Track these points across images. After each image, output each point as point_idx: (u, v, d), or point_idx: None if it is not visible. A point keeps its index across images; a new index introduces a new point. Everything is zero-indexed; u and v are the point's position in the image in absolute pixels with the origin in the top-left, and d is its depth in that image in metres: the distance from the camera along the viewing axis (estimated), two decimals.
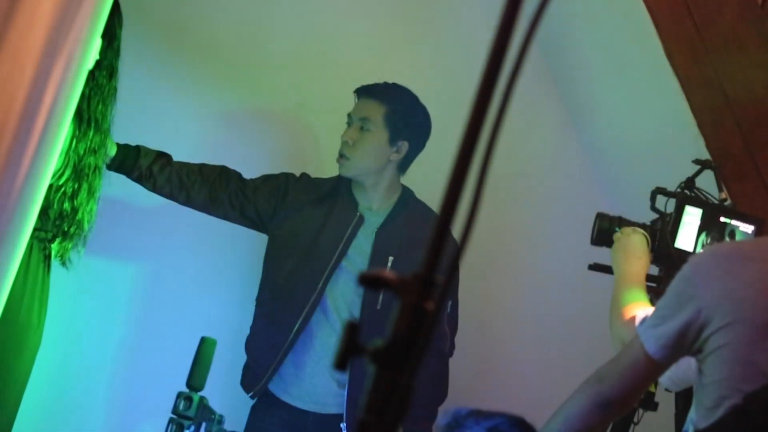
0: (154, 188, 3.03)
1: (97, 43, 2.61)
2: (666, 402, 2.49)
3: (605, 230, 2.57)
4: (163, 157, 3.03)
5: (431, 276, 0.89)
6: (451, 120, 3.11)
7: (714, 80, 2.83)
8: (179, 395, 2.45)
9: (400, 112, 3.06)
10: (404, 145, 3.08)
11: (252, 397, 3.12)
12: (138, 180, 3.01)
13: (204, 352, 2.54)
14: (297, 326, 3.03)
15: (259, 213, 3.12)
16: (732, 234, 2.45)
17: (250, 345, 3.16)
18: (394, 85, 3.12)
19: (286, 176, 3.18)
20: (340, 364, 0.88)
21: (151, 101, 3.35)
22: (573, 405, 1.86)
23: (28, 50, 2.00)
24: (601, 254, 2.64)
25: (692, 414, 1.76)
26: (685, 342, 1.72)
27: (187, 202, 3.10)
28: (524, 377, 3.70)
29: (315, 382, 3.08)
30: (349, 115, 3.10)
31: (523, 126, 3.26)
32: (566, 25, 3.46)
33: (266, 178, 3.17)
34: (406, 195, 3.16)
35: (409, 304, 0.88)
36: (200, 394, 2.47)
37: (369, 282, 0.89)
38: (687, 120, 2.94)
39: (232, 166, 3.16)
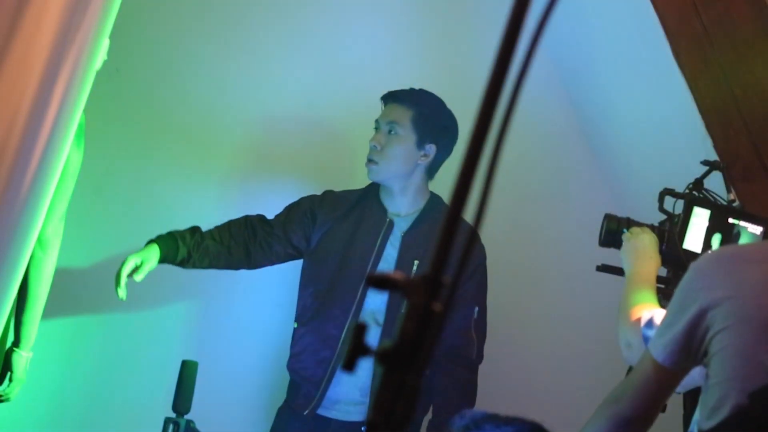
0: (194, 267, 3.09)
1: (105, 44, 2.62)
2: (674, 403, 2.49)
3: (613, 231, 2.56)
4: (195, 233, 3.08)
5: (438, 277, 0.89)
6: (459, 122, 3.13)
7: (722, 81, 2.83)
8: (167, 421, 2.46)
9: (427, 116, 3.10)
10: (432, 149, 3.11)
11: (307, 416, 3.11)
12: (180, 265, 3.06)
13: (186, 375, 2.57)
14: (342, 338, 3.06)
15: (295, 246, 3.18)
16: (738, 235, 2.44)
17: (295, 364, 3.16)
18: (421, 90, 3.15)
19: (309, 199, 3.22)
20: (348, 365, 0.88)
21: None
22: (592, 429, 1.85)
23: (37, 50, 2.00)
24: (609, 256, 2.64)
25: (697, 415, 1.76)
26: (693, 345, 1.72)
27: (228, 266, 3.16)
28: (532, 379, 3.70)
29: (338, 390, 3.10)
30: (376, 121, 3.14)
31: (531, 127, 3.26)
32: (574, 27, 3.46)
33: (289, 210, 3.20)
34: (434, 200, 3.18)
35: (416, 305, 0.88)
36: (186, 417, 2.48)
37: (376, 283, 0.89)
38: (695, 121, 2.93)
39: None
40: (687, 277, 1.76)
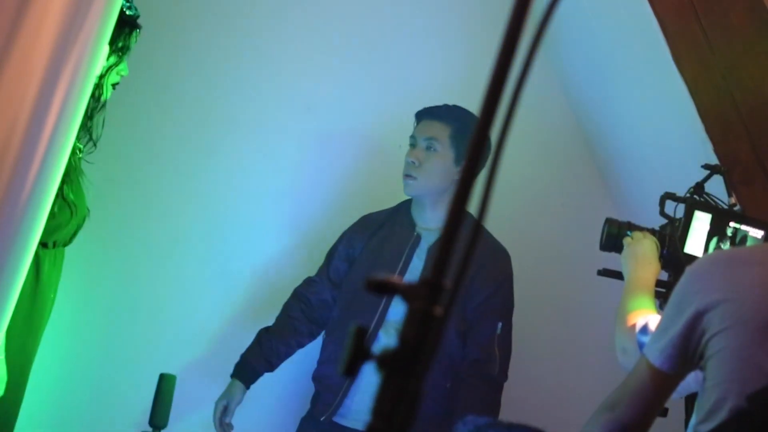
0: (282, 362, 3.24)
1: (105, 50, 2.62)
2: (675, 409, 2.48)
3: (614, 235, 2.56)
4: (262, 341, 3.21)
5: (439, 281, 0.88)
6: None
7: (722, 84, 2.82)
8: None
9: (465, 132, 3.13)
10: None
11: (324, 422, 3.14)
12: (269, 372, 3.23)
13: (164, 388, 2.55)
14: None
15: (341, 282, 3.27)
16: (743, 239, 2.44)
17: (318, 372, 3.23)
18: (456, 106, 3.18)
19: (342, 236, 3.30)
20: (349, 370, 0.88)
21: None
22: None
23: (37, 54, 2.00)
24: (610, 260, 2.63)
25: (693, 420, 1.75)
26: (689, 348, 1.71)
27: (308, 340, 3.29)
28: (534, 383, 3.69)
29: (357, 399, 3.13)
30: (412, 137, 3.17)
31: (532, 132, 3.26)
32: (574, 31, 3.46)
33: (330, 256, 3.30)
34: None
35: (417, 310, 0.88)
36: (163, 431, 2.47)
37: (376, 287, 0.89)
38: (695, 124, 2.93)
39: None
40: (683, 280, 1.75)
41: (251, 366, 3.18)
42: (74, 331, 3.34)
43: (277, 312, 3.33)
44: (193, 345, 3.43)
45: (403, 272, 3.11)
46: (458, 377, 3.04)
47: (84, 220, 2.84)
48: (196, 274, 3.45)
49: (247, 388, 3.18)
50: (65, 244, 2.80)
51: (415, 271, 3.11)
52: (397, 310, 3.07)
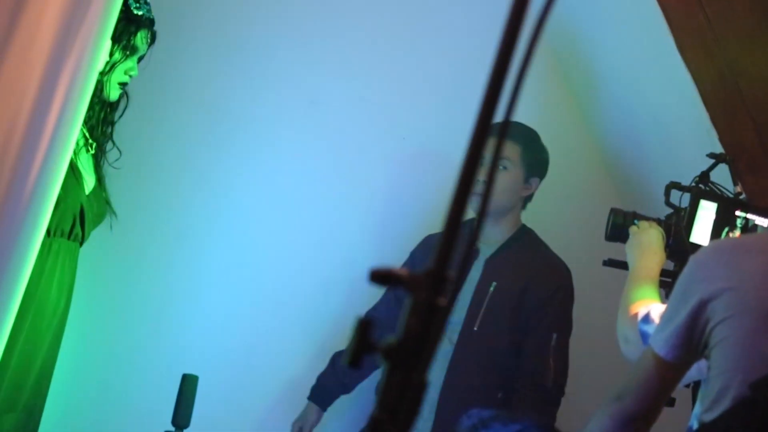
0: (357, 384, 3.29)
1: (107, 45, 2.62)
2: (683, 398, 2.48)
3: (619, 225, 2.56)
4: (335, 361, 3.23)
5: (442, 272, 0.88)
6: (461, 117, 3.12)
7: (727, 74, 2.82)
8: None
9: (533, 151, 3.19)
10: (536, 182, 3.22)
11: None
12: (345, 393, 3.27)
13: (187, 389, 2.56)
14: None
15: None
16: (750, 228, 2.43)
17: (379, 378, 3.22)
18: (521, 124, 3.19)
19: (409, 257, 3.30)
20: (353, 361, 0.88)
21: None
22: (596, 429, 1.83)
23: (37, 46, 1.99)
24: (616, 250, 2.63)
25: (697, 409, 1.75)
26: (694, 337, 1.71)
27: (377, 365, 3.25)
28: None
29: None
30: (481, 155, 3.13)
31: (534, 122, 3.25)
32: (577, 21, 3.45)
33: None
34: (523, 230, 3.23)
35: (421, 301, 0.88)
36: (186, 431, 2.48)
37: (379, 278, 0.89)
38: (700, 114, 2.92)
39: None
40: (687, 269, 1.75)
41: (326, 389, 3.23)
42: (96, 333, 3.32)
43: (298, 310, 3.33)
44: (214, 345, 3.41)
45: (459, 284, 3.08)
46: (512, 388, 3.02)
47: (87, 215, 2.82)
48: (217, 273, 3.43)
49: (324, 410, 3.23)
50: (68, 237, 2.78)
51: (471, 282, 3.11)
52: (453, 321, 3.05)
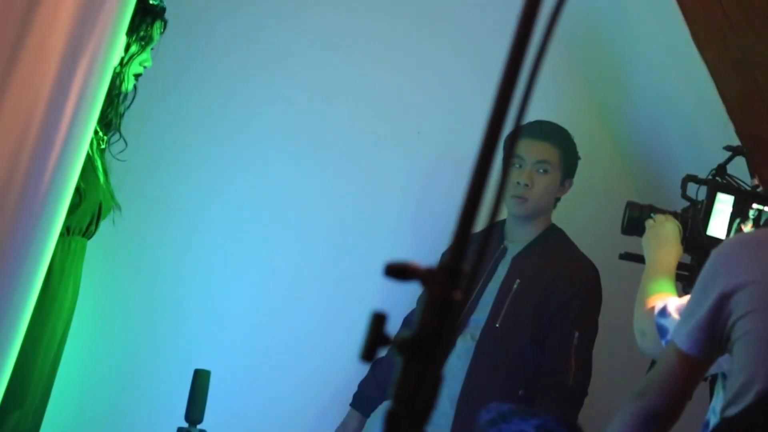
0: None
1: (122, 41, 2.62)
2: (699, 392, 2.47)
3: (635, 219, 2.55)
4: (375, 367, 3.25)
5: (457, 265, 0.88)
6: (477, 113, 3.12)
7: (743, 65, 2.80)
8: (179, 431, 2.46)
9: (570, 153, 3.21)
10: (570, 183, 3.23)
11: None
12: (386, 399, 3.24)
13: (199, 384, 2.57)
14: (449, 357, 3.03)
15: None
16: (767, 221, 2.42)
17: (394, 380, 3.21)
18: (557, 125, 3.20)
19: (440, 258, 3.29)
20: (367, 354, 0.88)
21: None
22: (619, 427, 1.81)
23: (53, 40, 1.99)
24: (632, 243, 2.62)
25: (715, 403, 1.74)
26: (716, 331, 1.70)
27: None
28: None
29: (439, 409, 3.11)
30: (519, 157, 3.14)
31: (552, 116, 3.24)
32: (591, 14, 3.44)
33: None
34: (552, 228, 3.23)
35: (436, 294, 0.88)
36: (200, 427, 2.48)
37: (395, 272, 0.89)
38: (716, 106, 2.91)
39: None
40: (709, 263, 1.74)
41: (366, 395, 3.25)
42: (107, 328, 3.32)
43: (312, 305, 3.34)
44: (227, 340, 3.41)
45: (486, 281, 3.11)
46: (533, 386, 3.00)
47: (102, 212, 2.82)
48: (227, 268, 3.44)
49: (366, 416, 3.24)
50: (83, 234, 2.79)
51: (498, 279, 3.11)
52: (477, 318, 3.05)
